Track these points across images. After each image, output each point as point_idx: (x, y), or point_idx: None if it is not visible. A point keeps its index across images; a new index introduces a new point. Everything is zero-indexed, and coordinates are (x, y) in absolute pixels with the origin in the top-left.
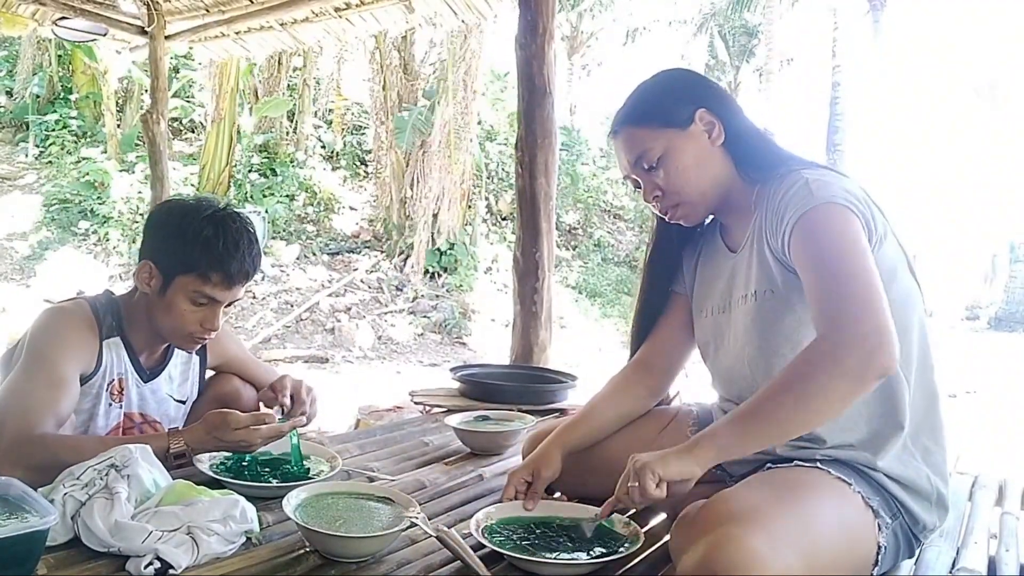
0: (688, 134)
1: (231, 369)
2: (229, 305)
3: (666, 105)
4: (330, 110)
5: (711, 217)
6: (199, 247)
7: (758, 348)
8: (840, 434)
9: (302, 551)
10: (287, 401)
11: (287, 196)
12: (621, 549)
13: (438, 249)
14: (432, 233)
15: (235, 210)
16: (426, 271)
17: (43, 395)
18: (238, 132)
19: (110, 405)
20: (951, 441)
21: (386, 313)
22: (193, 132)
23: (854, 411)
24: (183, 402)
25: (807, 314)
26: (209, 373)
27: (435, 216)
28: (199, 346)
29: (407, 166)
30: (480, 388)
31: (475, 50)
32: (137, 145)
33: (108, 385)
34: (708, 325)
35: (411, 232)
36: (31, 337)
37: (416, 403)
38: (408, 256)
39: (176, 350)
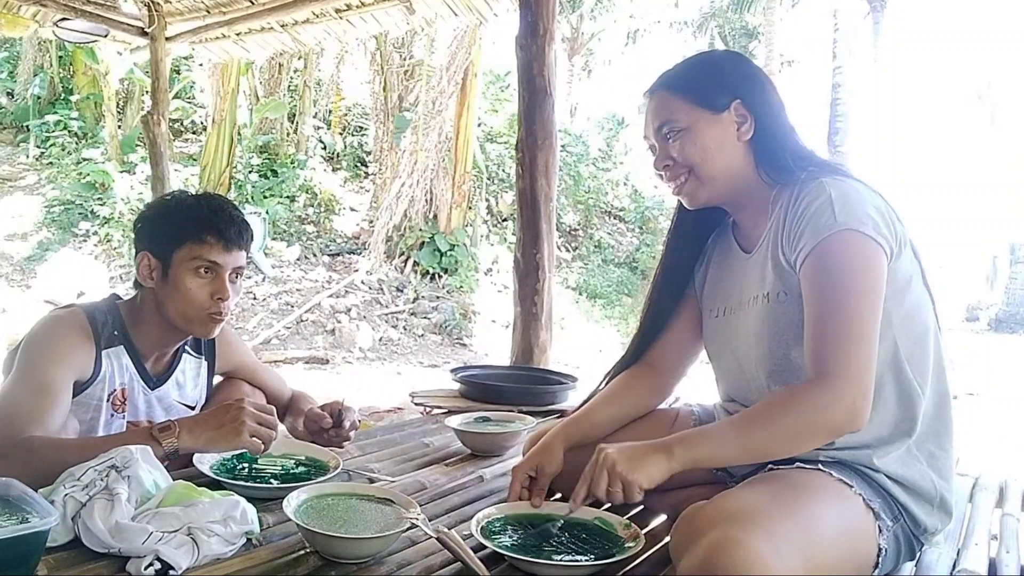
0: (718, 120)
1: (240, 375)
2: (235, 279)
3: (706, 85)
4: (330, 111)
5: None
6: (185, 217)
7: (768, 349)
8: (850, 437)
9: (302, 552)
10: (347, 424)
11: (288, 197)
12: (621, 551)
13: (438, 250)
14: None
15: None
16: (426, 272)
17: (28, 402)
18: (239, 133)
19: (112, 416)
20: (953, 445)
21: (386, 314)
22: (194, 133)
23: (873, 418)
24: (192, 407)
25: None
26: (217, 379)
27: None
28: (218, 327)
29: (410, 165)
30: (480, 389)
31: (466, 44)
32: (138, 146)
33: (110, 396)
34: (717, 325)
35: (411, 233)
36: (23, 346)
37: (416, 404)
38: (408, 257)
39: (184, 355)
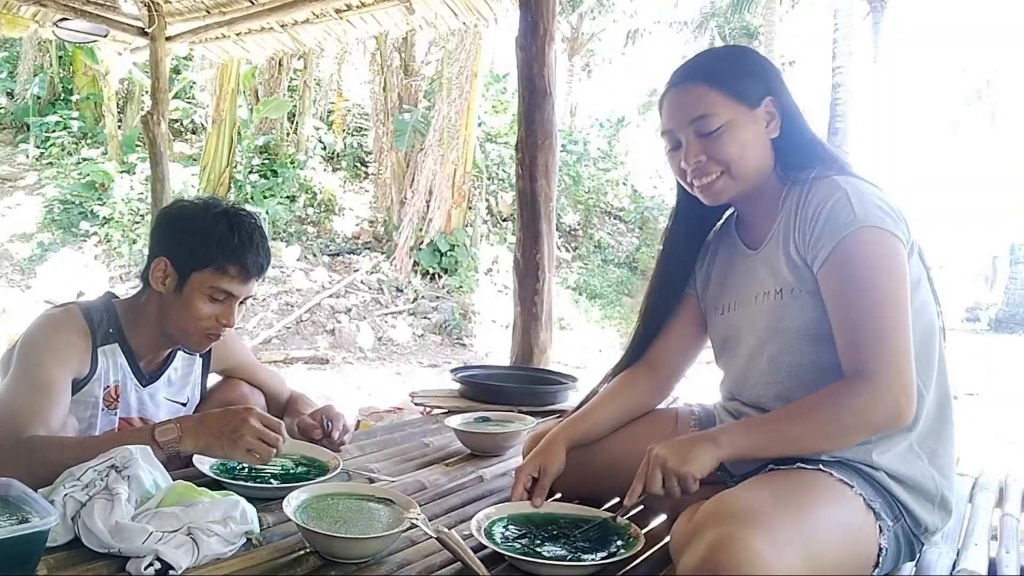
0: (753, 115)
1: (238, 374)
2: (243, 303)
3: (743, 79)
4: (330, 111)
5: (724, 217)
6: (215, 242)
7: (781, 345)
8: None
9: (302, 552)
10: (335, 436)
11: (287, 197)
12: (621, 550)
13: (438, 250)
14: (420, 231)
15: (245, 208)
16: (426, 272)
17: (28, 401)
18: (239, 133)
19: (103, 411)
20: (954, 443)
21: (386, 314)
22: (194, 133)
23: None
24: (184, 404)
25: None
26: (215, 378)
27: (426, 216)
28: (211, 345)
29: (407, 167)
30: (480, 389)
31: (472, 49)
32: (138, 146)
33: (104, 392)
34: (724, 322)
35: (410, 234)
36: (20, 344)
37: (416, 404)
38: (408, 257)
39: (179, 353)
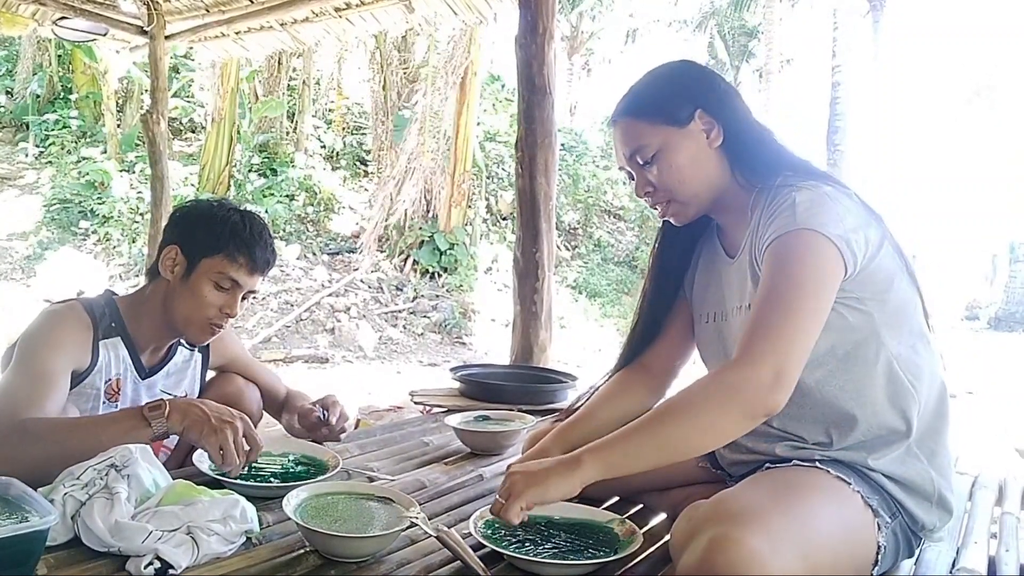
0: (685, 133)
1: (234, 369)
2: (245, 298)
3: (666, 101)
4: (330, 110)
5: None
6: (227, 230)
7: None
8: (846, 439)
9: (302, 551)
10: (334, 420)
11: (287, 196)
12: (620, 549)
13: (438, 249)
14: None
15: (255, 211)
16: (426, 271)
17: (25, 389)
18: (238, 132)
19: (104, 404)
20: (951, 441)
21: (386, 313)
22: (193, 132)
23: (866, 420)
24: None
25: None
26: (211, 374)
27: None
28: (212, 337)
29: (408, 165)
30: (480, 388)
31: (473, 48)
32: (137, 145)
33: (105, 384)
34: (709, 331)
35: (411, 232)
36: (21, 337)
37: (416, 403)
38: (408, 256)
39: (179, 348)
